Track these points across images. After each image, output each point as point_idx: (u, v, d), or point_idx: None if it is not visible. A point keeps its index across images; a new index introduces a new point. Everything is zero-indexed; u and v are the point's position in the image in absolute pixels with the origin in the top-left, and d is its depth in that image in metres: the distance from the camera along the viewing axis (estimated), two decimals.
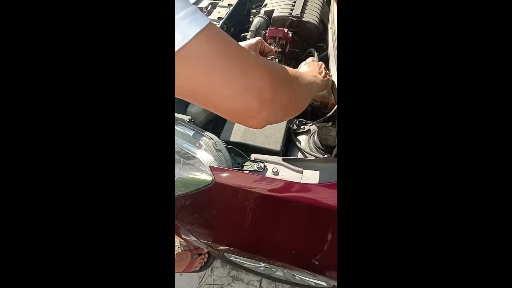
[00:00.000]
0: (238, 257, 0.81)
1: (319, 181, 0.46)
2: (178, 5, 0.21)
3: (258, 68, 0.26)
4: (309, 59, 0.55)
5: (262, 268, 0.91)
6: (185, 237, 0.79)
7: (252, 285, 1.06)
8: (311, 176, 0.46)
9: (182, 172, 0.50)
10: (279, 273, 0.94)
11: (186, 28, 0.21)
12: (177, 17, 0.21)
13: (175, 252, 1.05)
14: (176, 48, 0.21)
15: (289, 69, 0.33)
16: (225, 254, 0.82)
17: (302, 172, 0.47)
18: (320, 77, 0.49)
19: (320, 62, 0.53)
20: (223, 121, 0.74)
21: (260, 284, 1.06)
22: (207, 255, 1.07)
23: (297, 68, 0.54)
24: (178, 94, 0.26)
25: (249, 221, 0.57)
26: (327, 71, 0.54)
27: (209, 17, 0.84)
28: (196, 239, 0.70)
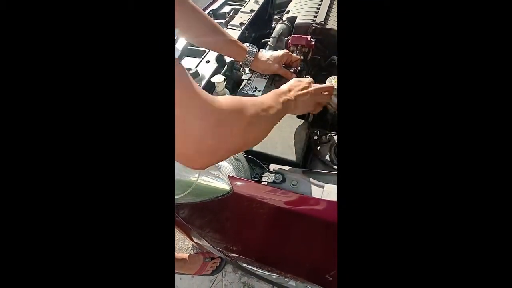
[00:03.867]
0: (249, 265, 0.80)
1: None
2: None
3: (199, 117, 0.25)
4: (303, 79, 0.51)
5: (274, 276, 0.89)
6: (197, 241, 0.79)
7: None
8: (332, 191, 0.45)
9: (200, 180, 0.50)
10: (292, 283, 0.92)
11: None
12: None
13: (188, 255, 1.05)
14: None
15: (245, 106, 0.31)
16: (237, 261, 0.81)
17: (323, 187, 0.45)
18: (297, 99, 0.45)
19: (306, 83, 0.49)
20: None
21: None
22: (219, 260, 1.07)
23: (320, 76, 0.53)
24: None
25: (264, 232, 0.56)
26: (312, 90, 0.49)
27: (231, 23, 0.85)
28: (208, 245, 0.70)
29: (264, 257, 0.62)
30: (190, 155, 0.26)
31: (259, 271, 0.89)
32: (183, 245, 1.21)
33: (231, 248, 0.67)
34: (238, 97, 0.33)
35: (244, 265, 0.87)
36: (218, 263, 1.07)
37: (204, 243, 0.72)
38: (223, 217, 0.58)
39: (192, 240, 0.80)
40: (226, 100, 0.30)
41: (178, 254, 1.04)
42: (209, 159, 0.28)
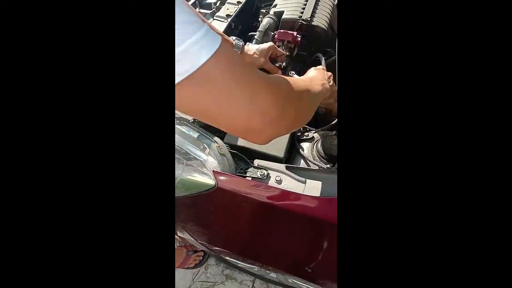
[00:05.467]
0: (232, 258, 0.81)
1: (321, 193, 0.45)
2: (190, 28, 0.21)
3: (264, 87, 0.27)
4: (320, 66, 0.54)
5: (256, 269, 0.91)
6: (180, 235, 0.79)
7: (245, 285, 1.07)
8: (313, 187, 0.46)
9: (184, 174, 0.50)
10: (273, 275, 0.95)
11: (196, 54, 0.22)
12: (188, 42, 0.21)
13: None
14: (186, 74, 0.22)
15: (295, 82, 0.34)
16: (220, 254, 0.82)
17: (305, 182, 0.46)
18: (327, 84, 0.48)
19: (329, 73, 0.53)
20: None
21: (253, 284, 1.07)
22: (202, 253, 1.08)
23: (305, 72, 0.53)
24: (186, 112, 0.27)
25: (247, 226, 0.57)
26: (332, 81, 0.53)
27: (218, 14, 0.83)
28: (191, 238, 0.70)
29: (247, 250, 0.64)
30: (255, 128, 0.28)
31: (241, 264, 0.90)
32: None
33: (214, 241, 0.67)
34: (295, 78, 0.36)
35: (227, 258, 0.88)
36: (201, 257, 1.07)
37: (187, 236, 0.72)
38: (207, 211, 0.58)
39: (175, 233, 0.80)
40: (282, 77, 0.32)
41: None
42: (272, 131, 0.29)
